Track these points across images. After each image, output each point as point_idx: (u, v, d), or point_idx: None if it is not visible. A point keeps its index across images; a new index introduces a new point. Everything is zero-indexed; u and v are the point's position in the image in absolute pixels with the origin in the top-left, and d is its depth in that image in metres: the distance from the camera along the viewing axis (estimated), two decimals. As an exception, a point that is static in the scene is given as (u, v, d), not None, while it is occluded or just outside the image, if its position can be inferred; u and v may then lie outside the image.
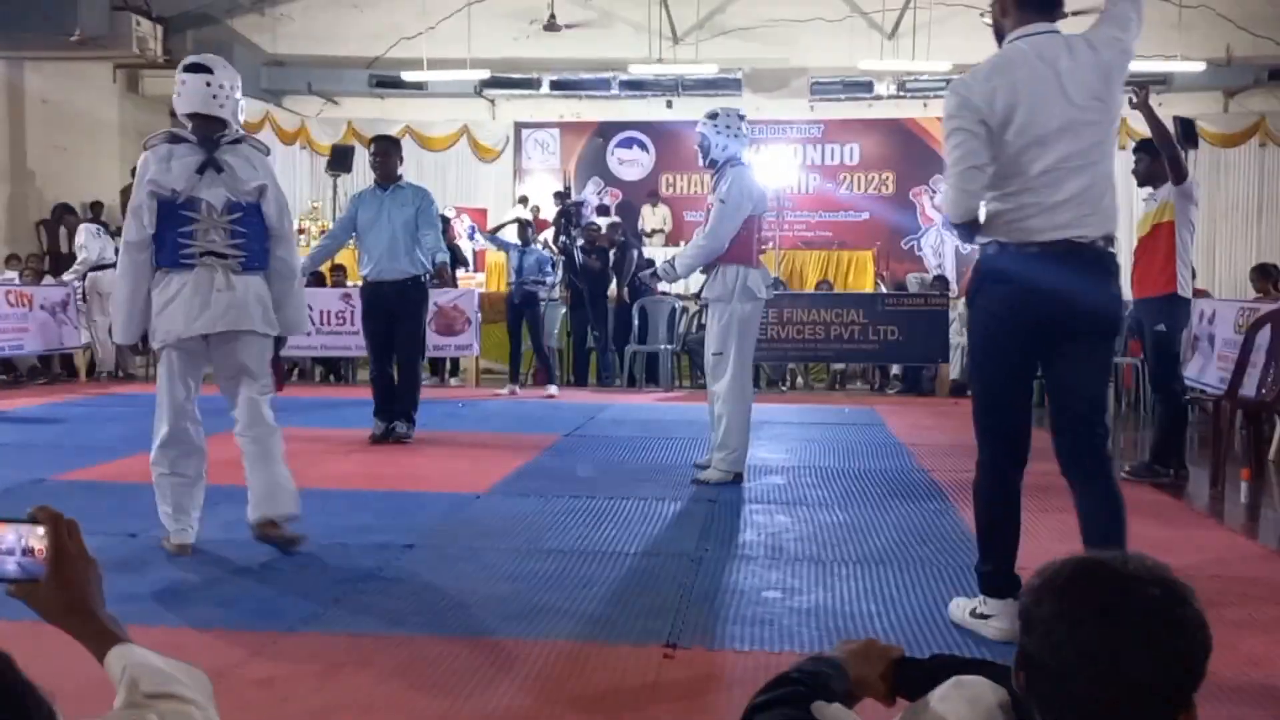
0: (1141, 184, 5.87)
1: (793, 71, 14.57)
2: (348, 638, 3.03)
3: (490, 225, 13.57)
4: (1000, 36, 3.01)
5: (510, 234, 10.10)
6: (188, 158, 3.83)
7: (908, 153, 14.26)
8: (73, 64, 12.77)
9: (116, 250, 4.59)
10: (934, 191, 13.94)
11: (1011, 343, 2.95)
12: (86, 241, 10.21)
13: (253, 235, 3.90)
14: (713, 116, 5.35)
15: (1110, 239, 2.93)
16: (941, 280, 11.61)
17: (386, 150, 6.63)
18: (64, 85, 13.26)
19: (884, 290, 11.57)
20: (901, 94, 13.94)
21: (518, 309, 9.67)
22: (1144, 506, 4.92)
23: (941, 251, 14.42)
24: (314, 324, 9.98)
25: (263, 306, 3.93)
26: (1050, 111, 2.84)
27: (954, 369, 9.83)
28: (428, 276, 6.59)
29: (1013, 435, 2.99)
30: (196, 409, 4.05)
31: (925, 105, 14.10)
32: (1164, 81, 12.45)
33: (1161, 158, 5.52)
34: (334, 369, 10.92)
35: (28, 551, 1.23)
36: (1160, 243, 5.53)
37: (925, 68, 13.17)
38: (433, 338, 9.48)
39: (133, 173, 4.19)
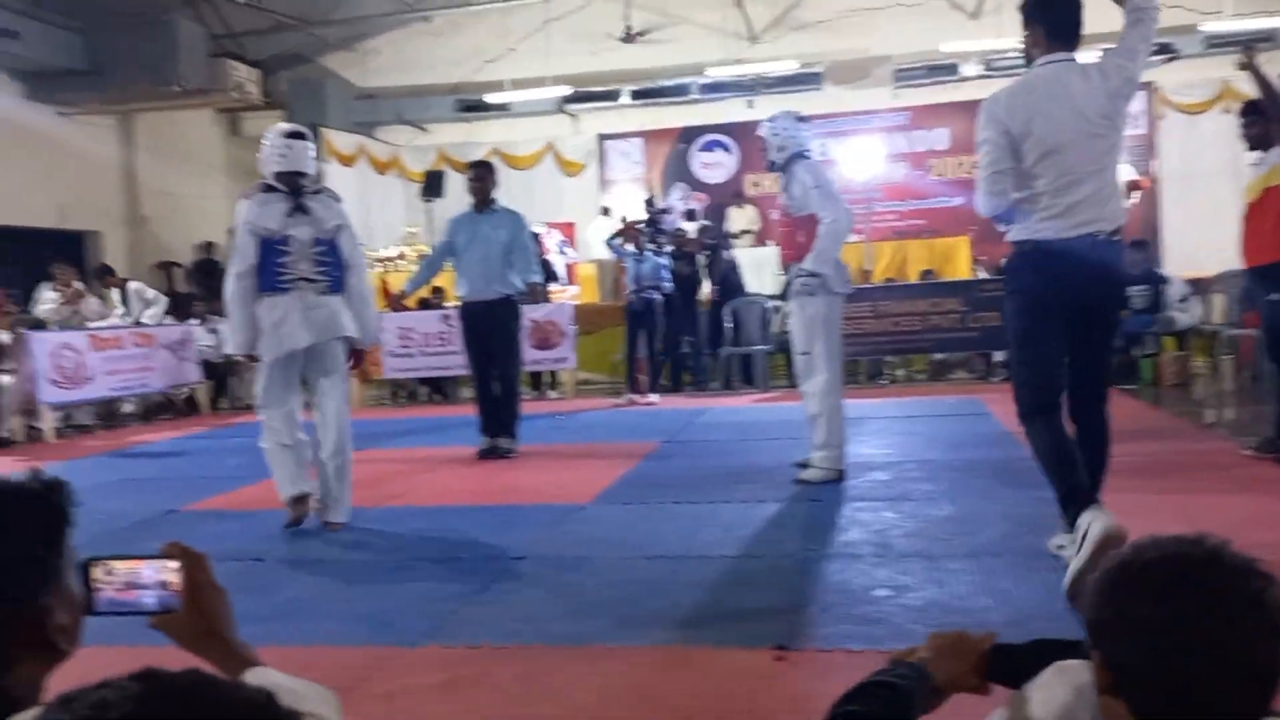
0: (1252, 148, 5.62)
1: (873, 60, 14.37)
2: (465, 650, 3.12)
3: (580, 238, 13.75)
4: (1029, 61, 3.61)
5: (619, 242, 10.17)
6: (279, 204, 4.73)
7: (998, 134, 13.88)
8: (177, 113, 13.39)
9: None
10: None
11: (1039, 320, 3.50)
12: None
13: (333, 264, 4.81)
14: (771, 120, 5.40)
15: (1117, 231, 3.47)
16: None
17: (482, 175, 6.83)
18: (170, 133, 13.91)
19: (982, 275, 11.32)
20: (989, 73, 13.60)
21: (638, 316, 9.72)
22: (1268, 484, 4.72)
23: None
24: (418, 345, 10.27)
25: (345, 318, 4.84)
26: (1064, 126, 3.38)
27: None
28: (521, 295, 6.77)
29: (1050, 394, 3.56)
30: (298, 403, 4.92)
31: (1014, 83, 13.75)
32: (1270, 39, 11.91)
33: (1272, 119, 5.29)
34: (439, 388, 11.19)
35: (164, 585, 1.32)
36: (1270, 207, 5.30)
37: (1012, 45, 12.84)
38: (530, 352, 9.65)
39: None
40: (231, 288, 4.77)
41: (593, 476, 5.75)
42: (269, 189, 4.77)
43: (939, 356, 10.79)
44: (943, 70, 13.77)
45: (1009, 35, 12.67)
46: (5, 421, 8.75)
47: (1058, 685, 1.19)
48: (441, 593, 3.73)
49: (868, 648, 2.96)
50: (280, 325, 4.68)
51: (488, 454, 6.64)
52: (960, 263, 12.16)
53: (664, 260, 10.08)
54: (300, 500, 4.78)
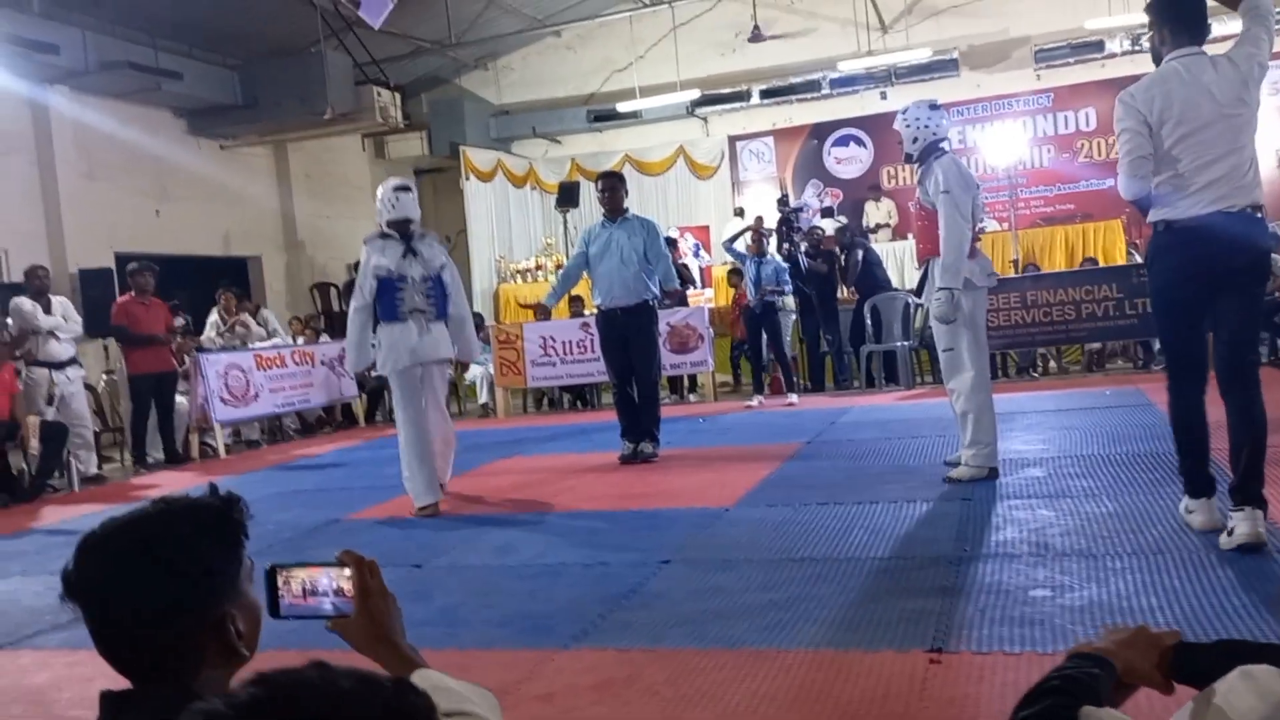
0: None
1: (1013, 42, 13.91)
2: (616, 653, 3.18)
3: (715, 241, 13.77)
4: (1158, 59, 3.77)
5: (742, 246, 10.20)
6: (395, 248, 5.70)
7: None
8: (326, 140, 14.05)
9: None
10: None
11: (1183, 296, 3.69)
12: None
13: (439, 296, 5.80)
14: (905, 111, 5.27)
15: (1257, 206, 3.58)
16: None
17: (613, 186, 6.93)
18: (320, 160, 14.61)
19: (1138, 260, 10.79)
20: (1136, 49, 12.99)
21: (757, 319, 9.73)
22: None
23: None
24: (557, 354, 10.48)
25: (447, 343, 5.88)
26: (1199, 112, 3.57)
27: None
28: (657, 300, 6.86)
29: (1192, 364, 3.74)
30: (427, 409, 5.84)
31: (1166, 56, 13.10)
32: None
33: None
34: (580, 395, 11.38)
35: (339, 592, 1.41)
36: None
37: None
38: (668, 356, 9.72)
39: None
40: (352, 318, 5.81)
41: (736, 479, 5.75)
42: (385, 235, 5.72)
43: (1094, 346, 10.33)
44: (1088, 48, 13.21)
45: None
46: (184, 440, 9.37)
47: (1247, 691, 1.14)
48: (591, 596, 3.80)
49: (1026, 650, 2.88)
50: (398, 345, 5.67)
51: (630, 459, 6.73)
52: (1114, 247, 11.63)
53: (784, 264, 10.02)
54: (431, 508, 5.61)
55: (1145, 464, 5.13)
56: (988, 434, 5.11)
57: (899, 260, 12.61)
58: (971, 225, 5.12)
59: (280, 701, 0.73)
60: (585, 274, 7.08)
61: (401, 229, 5.70)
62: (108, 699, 1.18)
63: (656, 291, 6.82)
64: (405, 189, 5.79)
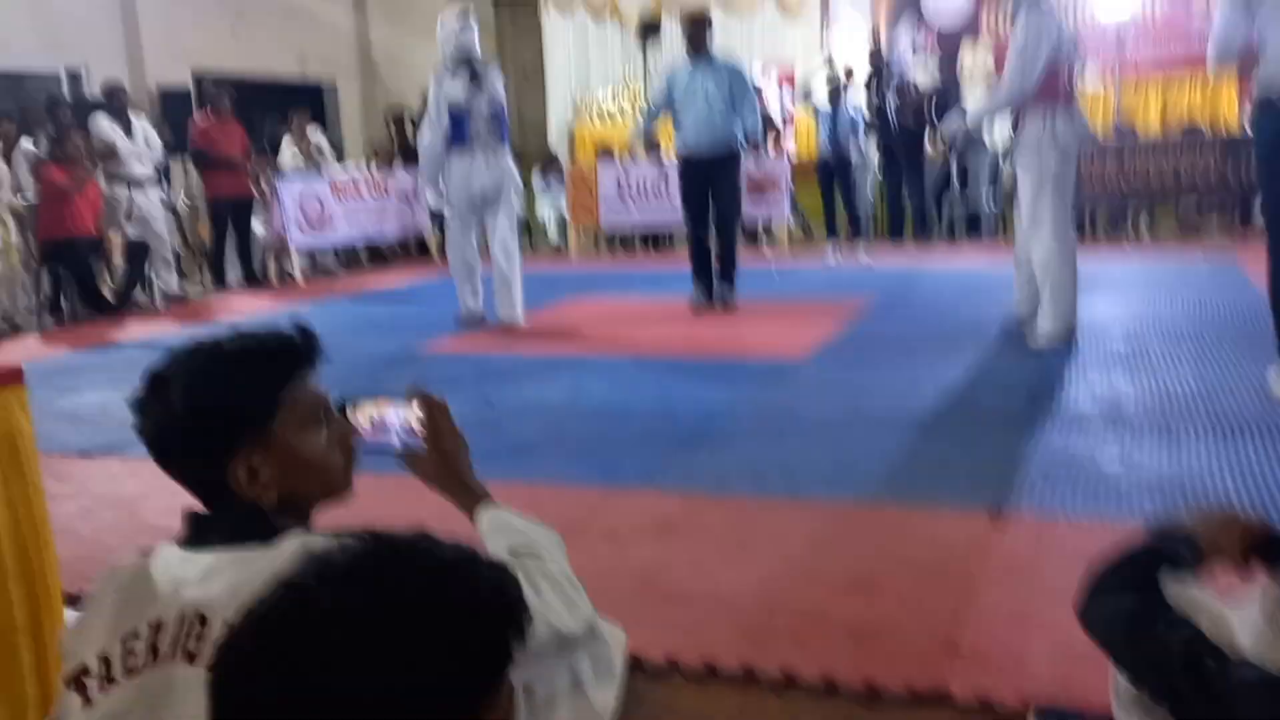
0: None
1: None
2: (679, 497, 3.23)
3: (800, 85, 13.27)
4: None
5: (821, 97, 9.85)
6: (462, 79, 6.07)
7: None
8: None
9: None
10: None
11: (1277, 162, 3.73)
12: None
13: (501, 128, 6.21)
14: None
15: None
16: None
17: (699, 28, 6.66)
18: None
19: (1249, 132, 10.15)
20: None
21: (830, 171, 9.49)
22: None
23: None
24: (632, 197, 10.35)
25: (513, 176, 6.36)
26: None
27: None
28: (742, 148, 6.72)
29: None
30: (475, 241, 6.52)
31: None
32: None
33: None
34: (654, 239, 11.29)
35: (407, 428, 1.45)
36: None
37: None
38: (746, 205, 9.54)
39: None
40: (425, 151, 6.23)
41: (807, 333, 5.71)
42: (452, 68, 6.11)
43: (1190, 213, 9.87)
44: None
45: None
46: (275, 263, 9.57)
47: None
48: (657, 440, 3.85)
49: (1091, 519, 2.86)
50: (469, 175, 6.17)
51: (702, 305, 6.71)
52: (1227, 110, 10.95)
53: (859, 116, 9.68)
54: (473, 315, 6.47)
55: (1232, 339, 4.96)
56: (1067, 299, 5.00)
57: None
58: (1063, 81, 4.88)
59: (391, 558, 0.73)
60: (667, 115, 6.89)
61: (464, 61, 6.05)
62: (191, 518, 1.22)
63: (742, 138, 6.63)
64: (467, 24, 6.11)
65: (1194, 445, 3.44)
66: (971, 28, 13.71)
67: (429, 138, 6.26)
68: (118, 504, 3.45)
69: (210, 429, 1.19)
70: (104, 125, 8.12)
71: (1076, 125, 5.00)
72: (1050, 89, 4.91)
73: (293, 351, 1.25)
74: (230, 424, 1.20)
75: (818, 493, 3.19)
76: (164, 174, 8.69)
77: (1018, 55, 4.89)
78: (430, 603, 0.70)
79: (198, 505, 1.24)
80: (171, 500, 1.26)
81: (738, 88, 6.55)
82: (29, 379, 1.89)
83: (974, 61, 13.52)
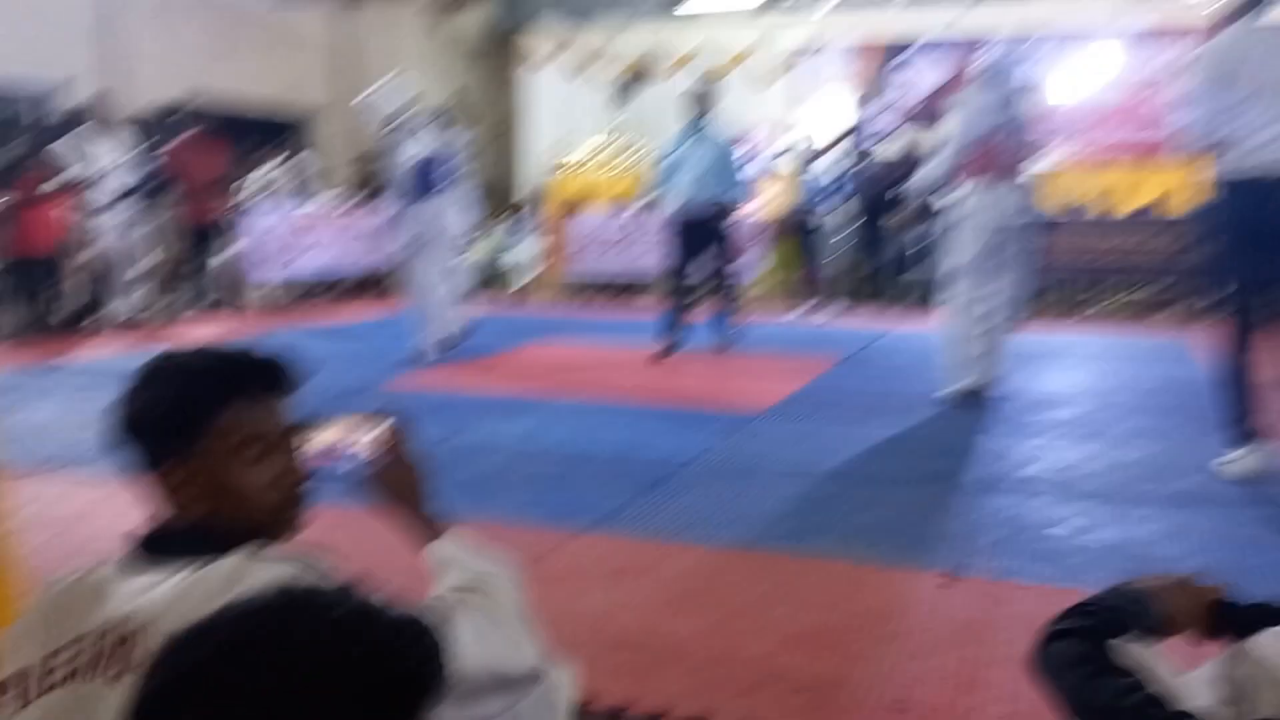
0: None
1: (1103, -30, 13.29)
2: (631, 543, 3.22)
3: (772, 149, 13.48)
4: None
5: (791, 162, 10.04)
6: (424, 130, 6.88)
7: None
8: (390, 4, 13.80)
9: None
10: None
11: (1238, 250, 3.84)
12: None
13: (447, 174, 6.87)
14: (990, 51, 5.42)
15: None
16: None
17: (701, 94, 7.33)
18: (382, 24, 14.37)
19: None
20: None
21: (798, 232, 9.63)
22: None
23: None
24: (601, 246, 10.41)
25: (451, 215, 6.96)
26: (1271, 69, 3.70)
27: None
28: (723, 208, 7.16)
29: (1240, 314, 3.86)
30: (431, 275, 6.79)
31: None
32: None
33: None
34: (621, 289, 11.32)
35: (368, 449, 1.42)
36: None
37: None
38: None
39: None
40: (395, 194, 6.83)
41: (768, 387, 5.74)
42: (410, 119, 6.71)
43: (1141, 294, 10.10)
44: (1181, -18, 12.61)
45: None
46: (235, 292, 9.47)
47: None
48: (615, 484, 3.84)
49: (1040, 583, 2.88)
50: (415, 218, 6.73)
51: (666, 351, 6.88)
52: (1183, 193, 11.26)
53: (828, 178, 9.95)
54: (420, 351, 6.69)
55: (1182, 414, 5.05)
56: (957, 357, 5.22)
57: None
58: (997, 154, 5.07)
59: (295, 617, 0.74)
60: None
61: (410, 113, 6.64)
62: (135, 537, 1.19)
63: (723, 201, 7.10)
64: (407, 80, 6.83)
65: (1143, 515, 3.48)
66: (935, 106, 14.07)
67: (396, 184, 6.90)
68: (54, 523, 3.36)
69: (142, 432, 1.18)
70: (73, 146, 8.05)
71: (1013, 199, 5.12)
72: (985, 162, 5.05)
73: (239, 373, 1.21)
74: (158, 432, 1.18)
75: (772, 544, 3.19)
76: (142, 194, 8.59)
77: (956, 126, 5.16)
78: (329, 665, 0.71)
79: (139, 527, 1.20)
80: (110, 523, 1.24)
81: (722, 153, 7.18)
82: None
83: (944, 135, 13.83)
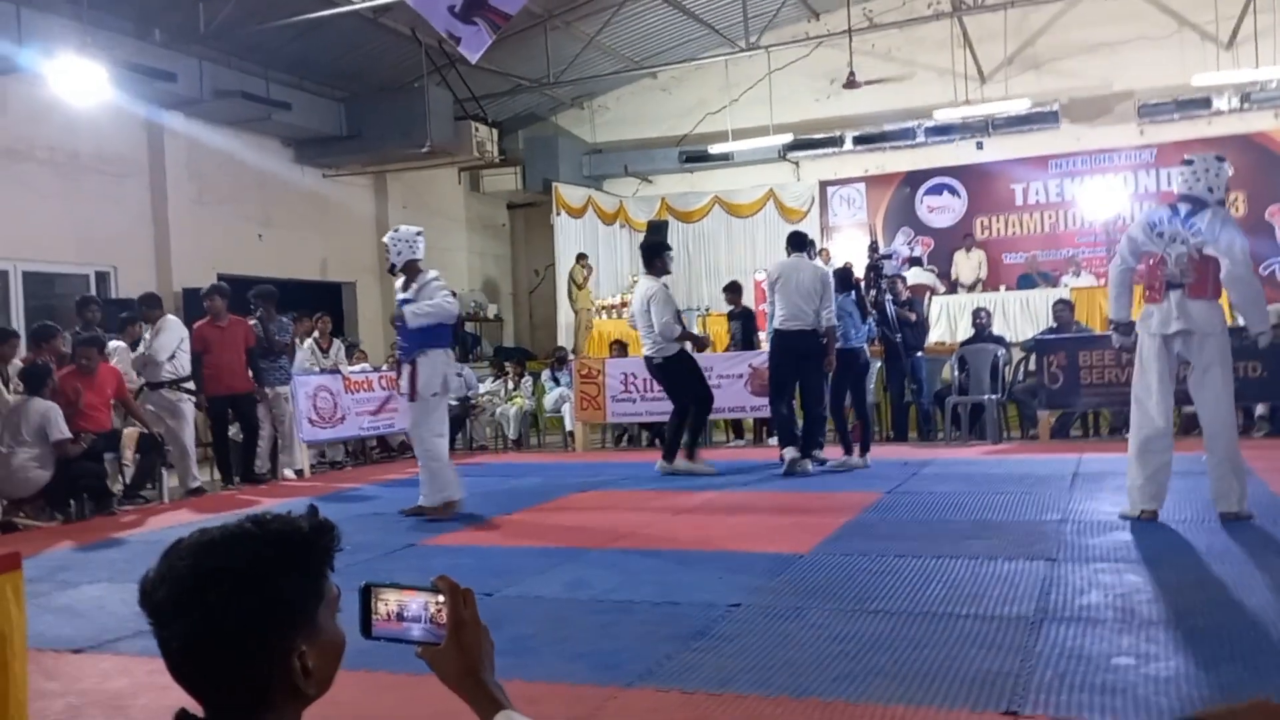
0: None
1: (1116, 96, 13.65)
2: (681, 694, 3.14)
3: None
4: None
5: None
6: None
7: (1259, 169, 12.82)
8: (424, 171, 14.43)
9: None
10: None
11: None
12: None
13: (422, 330, 6.72)
14: (1199, 159, 5.48)
15: None
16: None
17: (801, 235, 8.40)
18: (418, 190, 14.99)
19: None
20: (1246, 106, 12.65)
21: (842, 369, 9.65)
22: None
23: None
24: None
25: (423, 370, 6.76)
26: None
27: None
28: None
29: None
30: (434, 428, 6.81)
31: (1277, 116, 12.74)
32: None
33: None
34: (659, 434, 11.35)
35: (431, 618, 1.36)
36: None
37: (1273, 75, 11.89)
38: (747, 398, 9.68)
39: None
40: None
41: (813, 525, 5.67)
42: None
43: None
44: (1194, 105, 12.90)
45: (1267, 65, 11.73)
46: (270, 462, 9.56)
47: None
48: (658, 635, 3.77)
49: (1107, 718, 2.76)
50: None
51: (791, 469, 7.70)
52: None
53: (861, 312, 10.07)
54: (452, 504, 6.60)
55: (1241, 533, 4.91)
56: (1131, 478, 5.38)
57: (1004, 313, 12.18)
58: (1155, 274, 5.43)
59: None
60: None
61: (410, 270, 6.65)
62: (184, 717, 1.18)
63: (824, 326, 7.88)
64: (421, 233, 6.75)
65: (1209, 641, 3.35)
66: (966, 234, 14.28)
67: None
68: (105, 702, 3.36)
69: (271, 617, 1.15)
70: (119, 346, 8.54)
71: (1158, 311, 5.45)
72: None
73: (327, 538, 1.23)
74: (294, 612, 1.17)
75: (823, 692, 3.09)
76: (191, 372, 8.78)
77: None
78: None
79: (190, 704, 1.18)
80: (160, 698, 1.25)
81: (824, 280, 7.93)
82: (31, 573, 1.89)
83: (966, 266, 13.98)
